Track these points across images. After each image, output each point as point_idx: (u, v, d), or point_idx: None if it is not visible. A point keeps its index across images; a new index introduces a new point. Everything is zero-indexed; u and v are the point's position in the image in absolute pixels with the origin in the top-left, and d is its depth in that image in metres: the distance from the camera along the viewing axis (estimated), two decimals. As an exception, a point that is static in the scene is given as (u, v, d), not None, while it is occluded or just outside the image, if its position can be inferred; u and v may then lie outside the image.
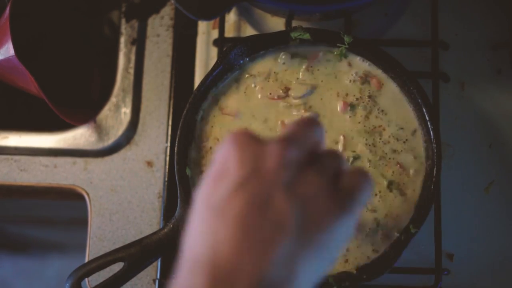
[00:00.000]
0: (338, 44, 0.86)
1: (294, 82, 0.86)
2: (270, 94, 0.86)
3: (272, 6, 0.87)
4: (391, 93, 0.86)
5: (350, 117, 0.85)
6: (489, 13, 0.98)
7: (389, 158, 0.85)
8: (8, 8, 0.90)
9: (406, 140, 0.85)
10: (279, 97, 0.86)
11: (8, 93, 1.07)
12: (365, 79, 0.86)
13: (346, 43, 0.86)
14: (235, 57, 0.87)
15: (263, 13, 0.99)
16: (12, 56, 0.89)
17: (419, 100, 0.84)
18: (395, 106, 0.86)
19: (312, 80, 0.86)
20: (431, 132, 0.83)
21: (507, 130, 0.95)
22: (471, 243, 0.92)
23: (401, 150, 0.85)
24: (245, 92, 0.87)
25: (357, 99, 0.86)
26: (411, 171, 0.84)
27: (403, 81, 0.85)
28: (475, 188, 0.94)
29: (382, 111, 0.85)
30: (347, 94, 0.86)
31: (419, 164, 0.84)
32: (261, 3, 0.87)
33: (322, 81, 0.86)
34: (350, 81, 0.86)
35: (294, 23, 0.93)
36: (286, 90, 0.87)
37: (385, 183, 0.84)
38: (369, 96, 0.86)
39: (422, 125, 0.85)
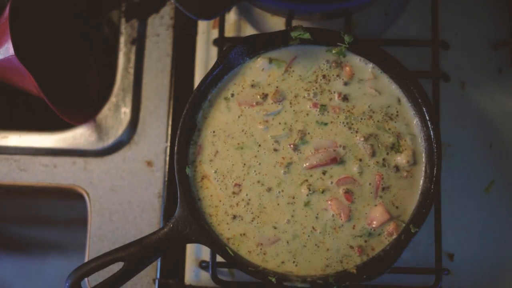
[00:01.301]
0: (338, 43, 0.87)
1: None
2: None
3: (272, 5, 0.87)
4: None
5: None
6: (489, 12, 0.98)
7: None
8: (7, 8, 0.90)
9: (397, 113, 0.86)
10: (257, 103, 0.87)
11: (8, 93, 1.07)
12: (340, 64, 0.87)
13: (346, 43, 0.86)
14: (235, 56, 0.87)
15: (263, 12, 0.99)
16: (12, 56, 0.89)
17: (419, 100, 0.84)
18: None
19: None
20: (431, 131, 0.83)
21: (508, 129, 0.95)
22: (471, 243, 0.92)
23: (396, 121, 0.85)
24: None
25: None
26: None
27: (403, 81, 0.85)
28: (476, 188, 0.93)
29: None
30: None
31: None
32: (261, 2, 0.87)
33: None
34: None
35: (294, 23, 0.93)
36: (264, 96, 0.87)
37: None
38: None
39: (422, 124, 0.85)
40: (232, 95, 0.88)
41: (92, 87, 1.08)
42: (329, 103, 0.86)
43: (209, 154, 0.86)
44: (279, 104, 0.87)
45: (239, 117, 0.87)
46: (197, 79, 1.00)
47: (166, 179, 0.97)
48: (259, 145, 0.86)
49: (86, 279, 0.91)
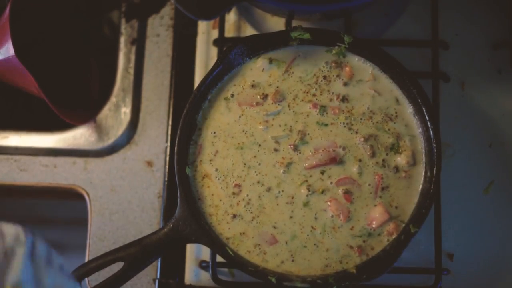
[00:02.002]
0: (338, 44, 0.87)
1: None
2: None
3: (272, 5, 0.87)
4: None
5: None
6: (489, 13, 0.98)
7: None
8: (8, 8, 0.90)
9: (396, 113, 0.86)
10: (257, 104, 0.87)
11: (8, 93, 1.07)
12: (339, 65, 0.87)
13: (346, 43, 0.86)
14: (235, 57, 0.87)
15: (263, 13, 0.99)
16: (12, 56, 0.89)
17: (419, 100, 0.84)
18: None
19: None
20: (431, 132, 0.83)
21: (507, 130, 0.95)
22: (471, 243, 0.92)
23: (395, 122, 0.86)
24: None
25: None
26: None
27: (403, 81, 0.85)
28: (475, 188, 0.93)
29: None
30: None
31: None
32: (261, 2, 0.87)
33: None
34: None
35: (294, 23, 0.93)
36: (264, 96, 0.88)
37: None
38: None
39: (422, 124, 0.85)
40: (232, 95, 0.88)
41: (92, 87, 1.08)
42: (329, 104, 0.87)
43: (209, 153, 0.87)
44: (279, 104, 0.87)
45: (240, 117, 0.87)
46: (197, 79, 1.00)
47: (166, 179, 0.97)
48: (259, 145, 0.86)
49: (86, 279, 0.91)
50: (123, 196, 0.97)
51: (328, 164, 0.85)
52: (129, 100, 1.00)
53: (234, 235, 0.85)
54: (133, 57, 1.01)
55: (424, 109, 0.84)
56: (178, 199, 0.84)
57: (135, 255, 0.81)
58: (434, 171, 0.82)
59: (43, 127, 1.01)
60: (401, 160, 0.85)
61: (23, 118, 1.14)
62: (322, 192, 0.85)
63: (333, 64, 0.87)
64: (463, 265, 0.92)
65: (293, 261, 0.84)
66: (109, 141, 0.99)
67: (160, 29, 1.03)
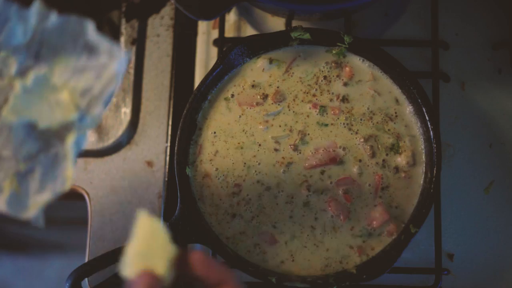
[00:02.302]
0: (338, 44, 0.87)
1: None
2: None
3: (272, 5, 0.87)
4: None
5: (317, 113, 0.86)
6: (489, 13, 0.98)
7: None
8: (8, 8, 0.90)
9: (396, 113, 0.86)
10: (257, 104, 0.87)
11: (8, 93, 1.07)
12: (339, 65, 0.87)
13: (346, 43, 0.86)
14: (235, 57, 0.87)
15: (263, 13, 0.99)
16: (12, 56, 0.89)
17: (419, 100, 0.84)
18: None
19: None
20: (431, 131, 0.83)
21: (508, 130, 0.95)
22: (471, 243, 0.92)
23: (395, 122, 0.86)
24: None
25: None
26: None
27: (403, 81, 0.85)
28: (475, 188, 0.93)
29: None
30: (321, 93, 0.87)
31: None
32: (261, 3, 0.87)
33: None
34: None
35: (294, 23, 0.93)
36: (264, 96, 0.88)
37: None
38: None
39: (422, 125, 0.85)
40: (232, 95, 0.88)
41: (92, 87, 1.08)
42: (329, 104, 0.87)
43: (210, 153, 0.87)
44: (279, 104, 0.87)
45: (240, 117, 0.87)
46: (197, 79, 1.00)
47: (166, 179, 0.97)
48: (259, 145, 0.86)
49: (86, 279, 0.91)
50: (123, 196, 0.97)
51: (328, 164, 0.85)
52: (129, 100, 1.00)
53: (234, 234, 0.85)
54: (133, 57, 1.01)
55: (424, 109, 0.84)
56: (178, 199, 0.84)
57: (135, 255, 0.81)
58: (434, 172, 0.83)
59: (43, 127, 1.01)
60: (401, 160, 0.85)
61: (23, 118, 1.14)
62: (322, 192, 0.85)
63: (333, 64, 0.87)
64: (463, 265, 0.92)
65: (293, 261, 0.84)
66: (109, 141, 0.99)
67: (160, 29, 1.03)
